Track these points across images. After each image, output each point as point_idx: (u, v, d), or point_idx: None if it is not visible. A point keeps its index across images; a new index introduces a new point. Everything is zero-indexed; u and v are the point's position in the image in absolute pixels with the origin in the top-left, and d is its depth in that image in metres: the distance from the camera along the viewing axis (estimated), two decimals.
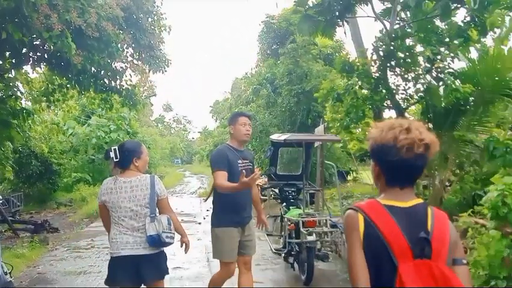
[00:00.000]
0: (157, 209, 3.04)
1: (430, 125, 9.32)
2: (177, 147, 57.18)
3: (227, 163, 3.49)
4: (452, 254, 1.45)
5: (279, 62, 17.38)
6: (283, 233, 5.73)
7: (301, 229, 4.64)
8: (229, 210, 3.56)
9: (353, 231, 1.45)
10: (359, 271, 1.42)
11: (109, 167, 3.56)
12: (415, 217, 1.45)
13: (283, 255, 5.38)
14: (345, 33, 11.48)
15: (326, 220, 4.69)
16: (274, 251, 5.44)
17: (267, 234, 6.00)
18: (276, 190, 5.88)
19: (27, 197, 13.98)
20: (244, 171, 3.32)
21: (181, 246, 3.31)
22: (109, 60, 8.64)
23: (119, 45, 8.67)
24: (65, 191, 16.37)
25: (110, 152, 3.05)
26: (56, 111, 16.50)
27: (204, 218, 10.02)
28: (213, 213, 3.70)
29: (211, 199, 3.86)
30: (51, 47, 7.52)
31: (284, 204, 5.57)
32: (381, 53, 8.97)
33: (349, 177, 16.90)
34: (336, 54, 18.37)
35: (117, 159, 3.04)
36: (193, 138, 71.47)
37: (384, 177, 1.53)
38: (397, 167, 1.46)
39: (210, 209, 4.02)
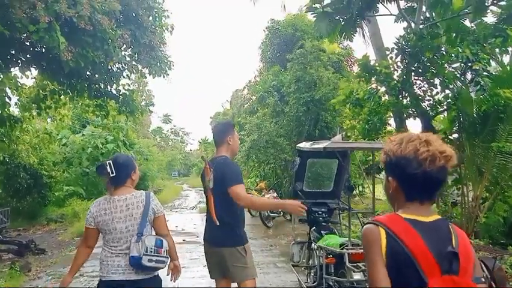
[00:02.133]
0: (148, 228, 2.82)
1: (462, 135, 8.42)
2: (175, 160, 56.08)
3: None
4: (474, 273, 1.40)
5: (283, 69, 16.59)
6: (310, 262, 4.73)
7: (348, 264, 3.63)
8: (243, 225, 3.33)
9: (373, 246, 1.39)
10: None
11: (103, 180, 2.99)
12: (439, 232, 1.41)
13: None
14: (363, 35, 10.75)
15: None
16: None
17: (293, 265, 4.97)
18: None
19: (15, 212, 12.92)
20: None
21: (167, 272, 2.97)
22: (104, 60, 7.71)
23: (116, 44, 7.75)
24: (56, 206, 15.29)
25: (107, 167, 2.80)
26: (47, 119, 15.54)
27: None
28: (237, 229, 3.26)
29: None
30: (38, 43, 6.66)
31: (314, 228, 4.56)
32: (406, 54, 8.12)
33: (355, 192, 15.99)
34: (345, 62, 17.62)
35: (113, 175, 2.80)
36: (190, 150, 70.44)
37: (402, 193, 1.48)
38: (418, 180, 1.42)
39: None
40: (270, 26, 18.52)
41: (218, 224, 3.08)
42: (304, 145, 4.64)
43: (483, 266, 3.80)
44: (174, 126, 66.62)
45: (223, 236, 3.17)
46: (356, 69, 16.53)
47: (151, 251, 2.70)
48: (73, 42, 6.84)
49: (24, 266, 6.87)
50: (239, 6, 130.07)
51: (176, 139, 68.55)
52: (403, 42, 8.18)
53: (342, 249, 3.82)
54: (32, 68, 9.35)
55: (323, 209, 4.72)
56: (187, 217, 14.92)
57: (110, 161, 2.84)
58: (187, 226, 12.14)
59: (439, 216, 1.48)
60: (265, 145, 14.81)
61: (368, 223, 1.46)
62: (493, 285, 3.70)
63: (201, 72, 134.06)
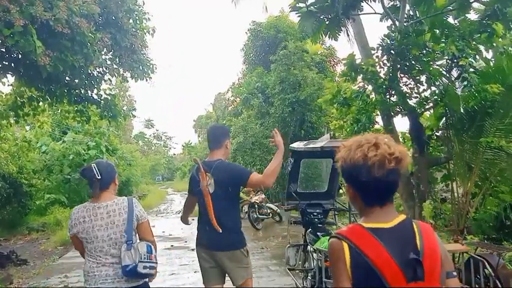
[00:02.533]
0: (135, 235, 2.76)
1: (450, 131, 8.42)
2: (159, 164, 55.56)
3: None
4: (444, 268, 1.40)
5: (267, 71, 16.50)
6: (306, 265, 4.59)
7: None
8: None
9: (338, 260, 1.38)
10: None
11: (86, 186, 2.81)
12: (402, 237, 1.38)
13: None
14: (347, 34, 10.69)
15: None
16: None
17: (289, 269, 4.83)
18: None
19: None
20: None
21: None
22: (84, 65, 7.44)
23: (96, 48, 7.49)
24: (37, 215, 14.88)
25: (93, 169, 2.70)
26: (25, 127, 15.09)
27: None
28: (239, 232, 3.23)
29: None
30: (13, 48, 6.37)
31: (310, 230, 4.43)
32: (392, 52, 8.08)
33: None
34: (328, 62, 17.62)
35: (99, 177, 2.71)
36: (174, 154, 69.89)
37: (360, 199, 1.45)
38: (371, 186, 1.39)
39: None
40: (252, 28, 18.43)
41: (220, 230, 2.97)
42: (298, 145, 4.51)
43: (486, 264, 3.70)
44: (157, 130, 66.09)
45: (226, 239, 3.09)
46: (339, 69, 16.55)
47: (145, 258, 2.65)
48: (50, 46, 6.57)
49: (5, 279, 6.60)
50: (220, 9, 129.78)
51: (159, 143, 67.92)
52: (388, 41, 8.14)
53: None
54: (8, 75, 9.02)
55: (318, 210, 4.61)
56: (173, 222, 14.63)
57: (95, 164, 2.77)
58: (174, 231, 11.90)
59: (403, 217, 1.44)
60: (251, 147, 14.69)
61: (332, 237, 1.44)
62: (498, 283, 3.61)
63: (183, 76, 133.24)
